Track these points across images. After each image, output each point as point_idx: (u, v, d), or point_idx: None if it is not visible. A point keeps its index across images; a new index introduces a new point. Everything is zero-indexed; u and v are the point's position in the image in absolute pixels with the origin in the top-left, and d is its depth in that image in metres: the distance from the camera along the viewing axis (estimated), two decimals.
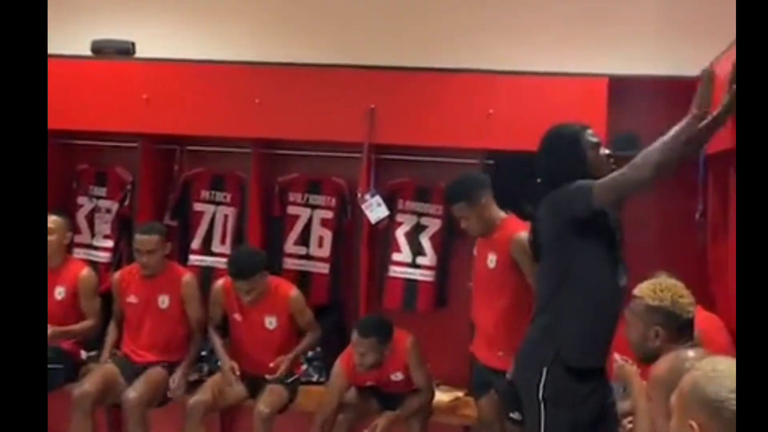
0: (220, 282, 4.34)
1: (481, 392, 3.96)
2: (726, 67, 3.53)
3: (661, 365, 2.27)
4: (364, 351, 3.95)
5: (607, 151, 3.16)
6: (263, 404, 4.10)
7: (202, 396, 4.13)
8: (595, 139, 3.15)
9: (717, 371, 1.77)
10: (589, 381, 3.00)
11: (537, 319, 3.16)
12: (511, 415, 3.62)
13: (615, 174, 2.95)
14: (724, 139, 3.42)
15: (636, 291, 2.74)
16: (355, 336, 3.99)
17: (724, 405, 1.72)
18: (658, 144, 2.89)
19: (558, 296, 3.07)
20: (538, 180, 3.20)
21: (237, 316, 4.27)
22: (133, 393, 4.14)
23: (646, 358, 2.69)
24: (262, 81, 4.51)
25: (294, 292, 4.28)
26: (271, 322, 4.24)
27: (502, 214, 3.81)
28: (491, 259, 3.74)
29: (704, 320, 3.14)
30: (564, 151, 3.13)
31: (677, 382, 2.13)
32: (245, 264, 4.13)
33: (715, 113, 2.88)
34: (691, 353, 2.28)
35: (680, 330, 2.63)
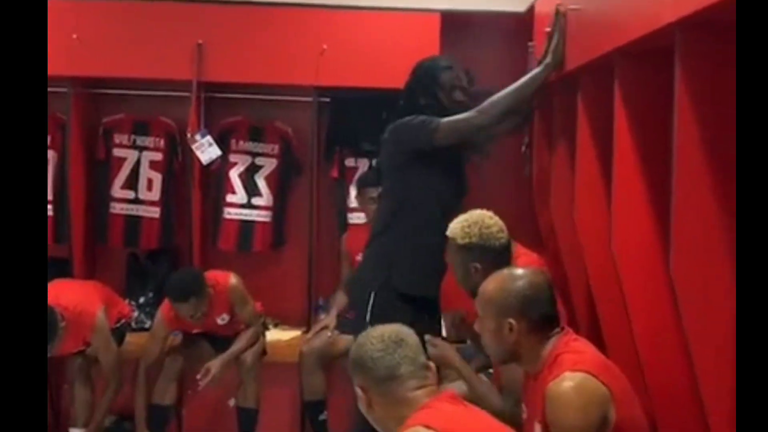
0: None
1: None
2: (544, 8, 3.63)
3: (490, 285, 2.30)
4: (190, 312, 3.87)
5: (460, 98, 3.20)
6: None
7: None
8: (452, 83, 3.19)
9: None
10: (416, 308, 3.07)
11: (372, 243, 3.20)
12: None
13: (462, 116, 3.02)
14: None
15: (448, 232, 2.75)
16: (174, 303, 3.88)
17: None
18: (508, 91, 2.99)
19: (394, 222, 3.13)
20: (401, 102, 3.21)
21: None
22: None
23: (476, 292, 2.76)
24: (80, 15, 4.21)
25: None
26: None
27: None
28: None
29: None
30: (420, 84, 3.19)
31: (508, 299, 2.21)
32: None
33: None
34: (519, 271, 2.35)
35: (496, 258, 2.66)
